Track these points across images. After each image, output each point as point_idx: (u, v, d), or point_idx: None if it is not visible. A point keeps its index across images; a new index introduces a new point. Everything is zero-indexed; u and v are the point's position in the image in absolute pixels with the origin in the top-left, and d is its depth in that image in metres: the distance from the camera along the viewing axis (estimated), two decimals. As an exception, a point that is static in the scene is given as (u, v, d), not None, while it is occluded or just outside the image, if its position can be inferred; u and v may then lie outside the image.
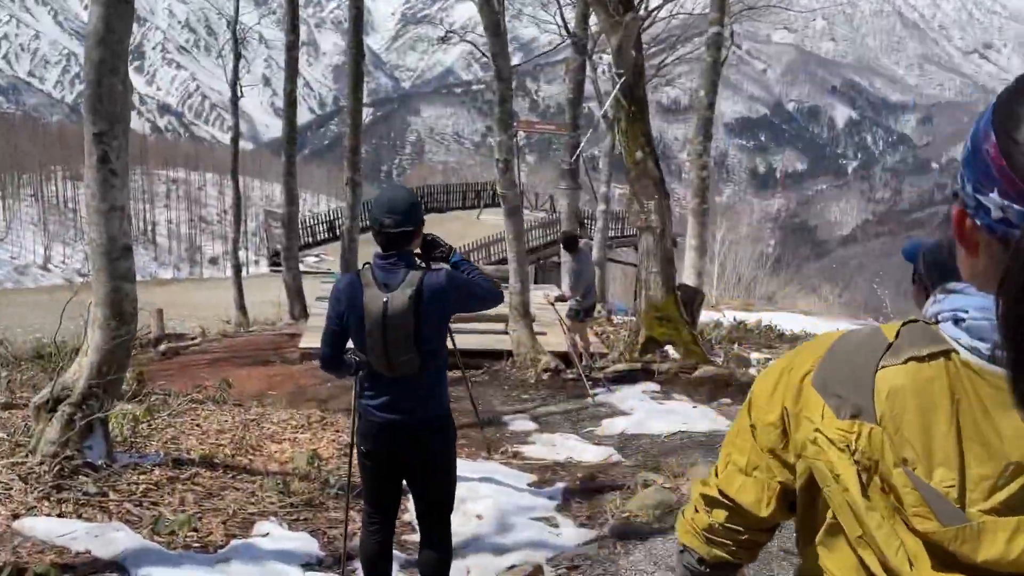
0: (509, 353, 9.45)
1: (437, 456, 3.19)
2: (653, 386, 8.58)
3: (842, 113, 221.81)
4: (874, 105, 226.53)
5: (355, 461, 3.40)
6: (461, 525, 4.56)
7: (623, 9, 9.28)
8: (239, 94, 15.24)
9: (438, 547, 3.27)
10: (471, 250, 24.11)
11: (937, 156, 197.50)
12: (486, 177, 62.97)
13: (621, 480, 5.65)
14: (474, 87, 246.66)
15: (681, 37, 17.74)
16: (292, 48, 13.90)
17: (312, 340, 10.59)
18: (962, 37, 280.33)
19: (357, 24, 15.74)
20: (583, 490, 5.46)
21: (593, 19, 12.63)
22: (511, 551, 4.46)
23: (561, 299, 9.16)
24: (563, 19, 12.27)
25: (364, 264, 3.11)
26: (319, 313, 11.88)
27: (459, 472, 5.12)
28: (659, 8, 10.10)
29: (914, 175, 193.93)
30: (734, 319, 15.98)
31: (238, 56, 15.34)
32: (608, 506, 5.10)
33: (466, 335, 10.83)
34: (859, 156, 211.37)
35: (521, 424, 7.39)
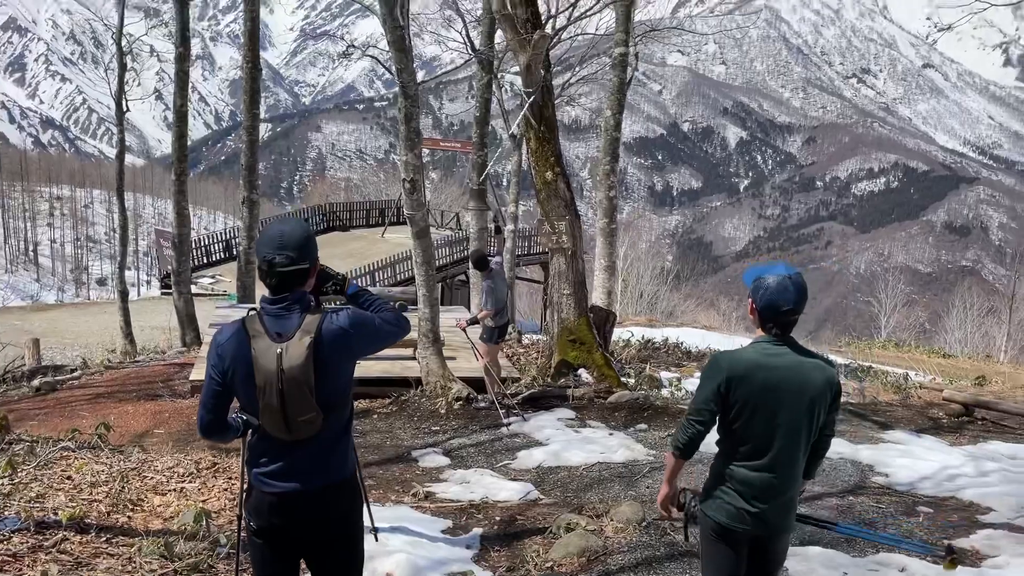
0: (418, 381, 9.01)
1: (341, 527, 2.77)
2: (568, 413, 8.31)
3: (734, 133, 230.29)
4: (763, 126, 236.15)
5: (244, 532, 2.93)
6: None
7: (531, 28, 9.08)
8: (125, 107, 14.29)
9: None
10: (376, 269, 23.51)
11: (821, 175, 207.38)
12: (390, 194, 62.32)
13: (542, 522, 5.33)
14: (376, 103, 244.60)
15: (583, 57, 17.78)
16: (182, 60, 13.14)
17: (203, 371, 9.87)
18: (842, 63, 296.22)
19: (253, 38, 15.11)
20: (502, 536, 5.11)
21: (499, 37, 12.43)
22: (427, 613, 4.06)
23: (474, 322, 8.80)
24: (468, 37, 11.98)
25: (249, 311, 2.68)
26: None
27: (366, 520, 4.67)
28: (565, 27, 9.93)
29: (801, 192, 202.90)
30: (642, 337, 15.99)
31: (123, 67, 14.40)
32: (530, 554, 4.76)
33: (370, 362, 10.35)
34: (750, 174, 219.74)
35: (433, 459, 6.98)
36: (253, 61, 15.14)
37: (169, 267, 26.17)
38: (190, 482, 5.53)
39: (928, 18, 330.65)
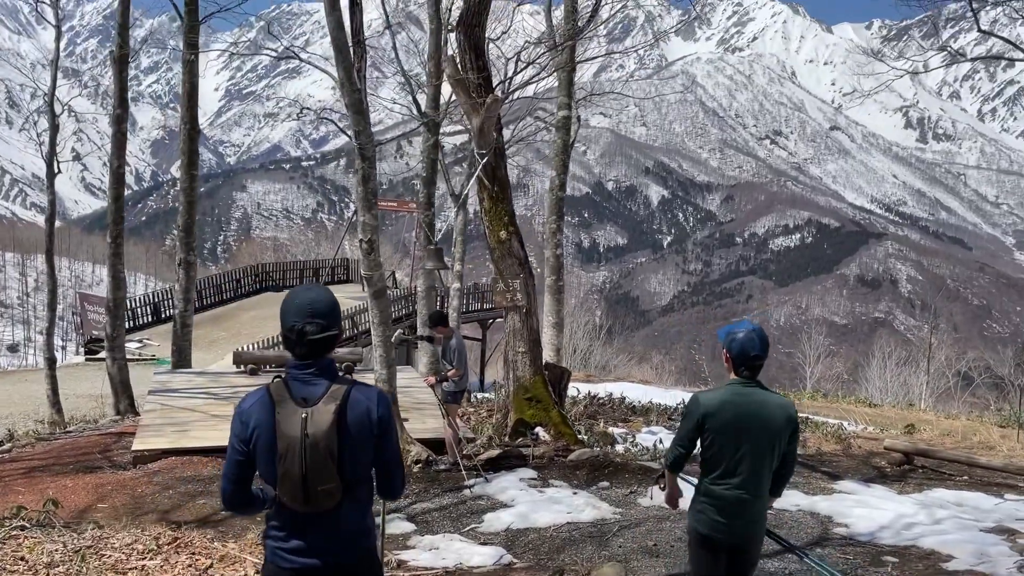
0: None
1: None
2: (530, 472, 8.25)
3: (656, 192, 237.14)
4: (683, 184, 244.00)
5: None
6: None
7: (483, 91, 9.26)
8: (57, 169, 13.87)
9: None
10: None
11: (740, 231, 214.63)
12: (320, 253, 61.64)
13: (522, 586, 5.25)
14: (304, 163, 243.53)
15: (515, 119, 18.13)
16: (120, 121, 12.89)
17: (148, 441, 9.49)
18: (755, 125, 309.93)
19: (192, 99, 14.94)
20: (484, 602, 5.00)
21: (445, 98, 12.63)
22: None
23: (443, 380, 8.72)
24: (416, 101, 12.13)
25: (274, 378, 2.63)
26: (154, 408, 10.73)
27: None
28: (515, 91, 10.17)
29: (721, 248, 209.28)
30: (588, 393, 16.06)
31: (55, 129, 14.02)
32: (516, 619, 4.67)
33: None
34: (673, 231, 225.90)
35: (397, 525, 6.81)
36: (191, 122, 14.94)
37: (94, 332, 25.26)
38: (151, 559, 5.26)
39: (833, 83, 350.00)
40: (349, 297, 29.90)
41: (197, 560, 5.30)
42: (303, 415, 2.48)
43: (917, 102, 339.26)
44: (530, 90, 17.11)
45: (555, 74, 12.17)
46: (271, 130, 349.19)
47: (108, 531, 5.70)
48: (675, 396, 20.26)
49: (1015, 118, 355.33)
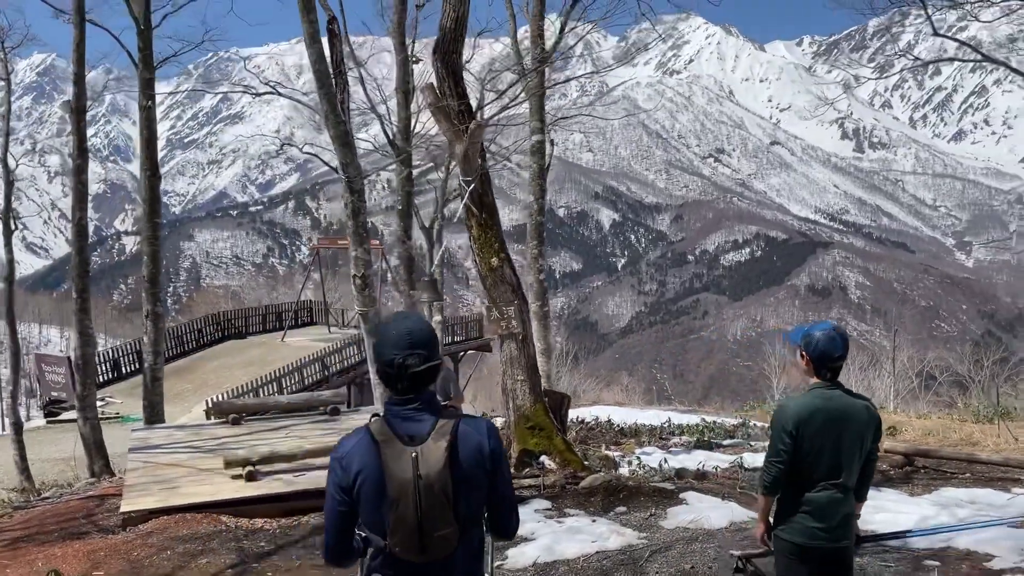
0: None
1: None
2: (544, 503, 8.01)
3: (607, 215, 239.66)
4: (633, 207, 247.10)
5: None
6: None
7: (464, 118, 9.13)
8: (14, 226, 13.35)
9: None
10: (282, 376, 22.53)
11: (691, 249, 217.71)
12: (275, 298, 60.66)
13: (571, 622, 5.01)
14: (252, 208, 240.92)
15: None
16: (80, 172, 12.47)
17: (136, 501, 9.02)
18: (698, 144, 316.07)
19: (151, 146, 14.61)
20: (536, 642, 4.74)
21: (422, 129, 12.48)
22: None
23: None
24: (387, 134, 11.96)
25: (372, 416, 2.40)
26: (137, 466, 10.23)
27: None
28: (495, 115, 10.07)
29: (674, 267, 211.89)
30: (576, 418, 15.88)
31: (10, 185, 13.53)
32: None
33: (318, 472, 9.76)
34: (626, 253, 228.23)
35: (419, 569, 6.51)
36: (152, 169, 14.57)
37: (53, 393, 24.34)
38: (173, 627, 4.90)
39: (770, 99, 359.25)
40: (314, 340, 29.40)
41: (222, 624, 4.96)
42: (412, 454, 2.27)
43: (851, 113, 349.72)
44: (502, 116, 17.13)
45: (527, 97, 12.12)
46: (216, 177, 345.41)
47: (120, 600, 5.31)
48: (656, 416, 20.20)
49: (945, 123, 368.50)
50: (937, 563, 5.93)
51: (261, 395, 20.47)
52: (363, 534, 2.40)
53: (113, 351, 25.52)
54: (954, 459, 10.53)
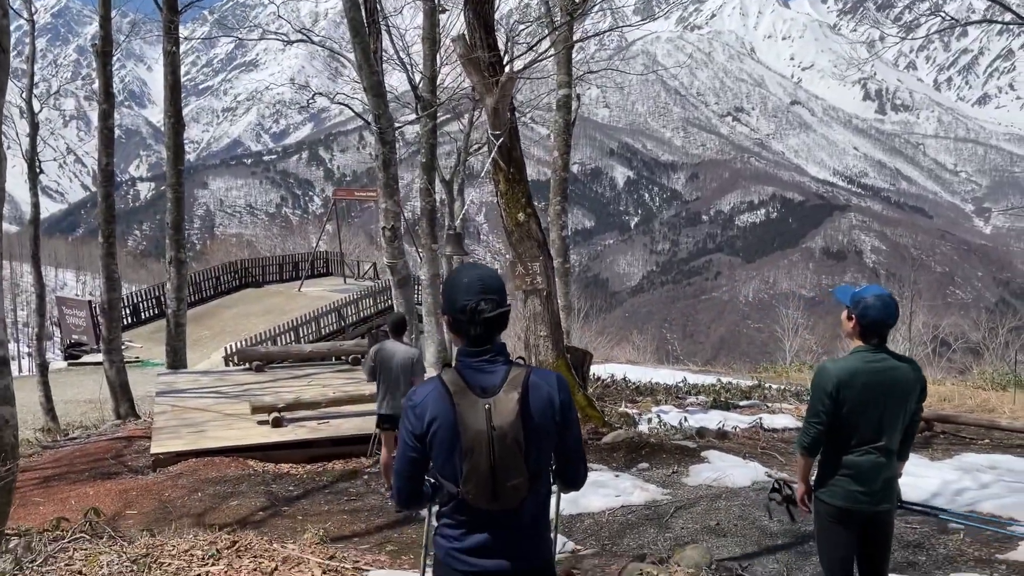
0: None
1: None
2: (567, 457, 8.11)
3: (621, 173, 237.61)
4: (648, 165, 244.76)
5: None
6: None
7: (495, 71, 9.03)
8: (38, 169, 13.38)
9: None
10: (299, 325, 22.69)
11: (706, 209, 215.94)
12: (285, 248, 60.73)
13: (601, 574, 5.10)
14: (265, 157, 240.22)
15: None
16: (106, 116, 12.45)
17: (165, 443, 9.19)
18: (717, 102, 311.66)
19: (175, 91, 14.56)
20: (570, 591, 4.84)
21: (444, 81, 12.36)
22: None
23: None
24: (413, 85, 11.84)
25: (445, 367, 2.43)
26: (165, 410, 10.41)
27: None
28: (527, 67, 9.95)
29: (688, 227, 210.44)
30: (594, 375, 15.96)
31: (35, 127, 13.51)
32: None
33: (339, 419, 9.90)
34: (639, 212, 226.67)
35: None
36: (176, 115, 14.55)
37: (74, 336, 24.64)
38: (213, 565, 5.03)
39: (792, 58, 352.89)
40: (330, 290, 29.54)
41: (261, 563, 5.08)
42: (486, 406, 2.30)
43: (875, 74, 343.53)
44: (533, 70, 16.92)
45: (554, 49, 11.96)
46: (230, 125, 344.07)
47: (161, 538, 5.45)
48: (670, 375, 20.29)
49: (970, 86, 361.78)
50: (961, 526, 5.98)
51: (279, 343, 20.65)
52: (432, 480, 2.45)
53: (133, 296, 25.72)
54: (975, 425, 10.56)
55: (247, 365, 13.19)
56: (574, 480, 2.59)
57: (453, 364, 2.42)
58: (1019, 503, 6.42)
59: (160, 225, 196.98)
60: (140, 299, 25.74)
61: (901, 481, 7.73)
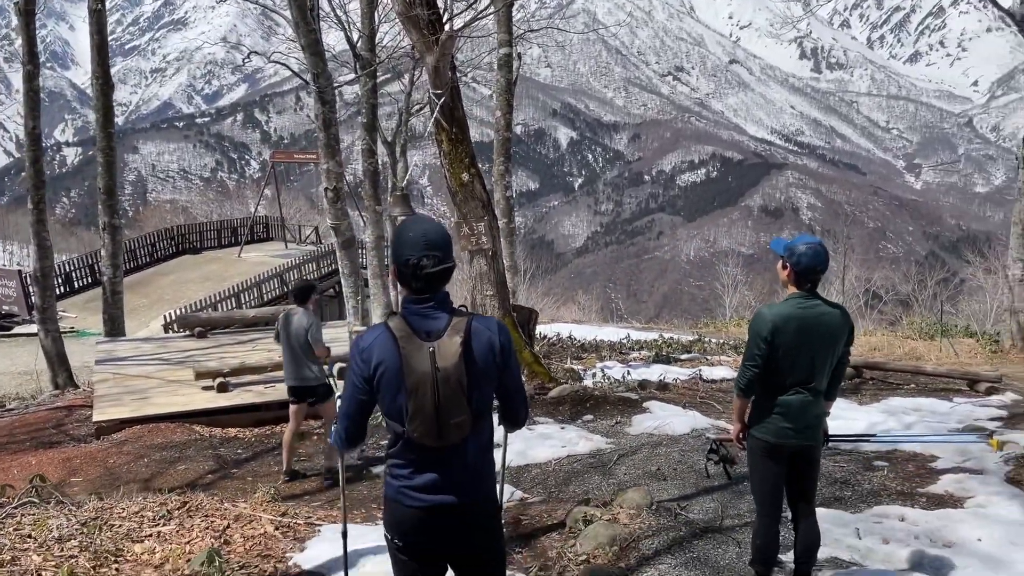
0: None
1: (493, 540, 2.65)
2: (513, 412, 8.28)
3: (564, 134, 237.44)
4: (591, 125, 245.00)
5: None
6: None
7: (434, 29, 8.97)
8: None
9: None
10: (241, 291, 22.41)
11: (648, 169, 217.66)
12: (221, 214, 59.40)
13: (547, 519, 5.29)
14: (198, 120, 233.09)
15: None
16: (31, 78, 11.98)
17: (108, 411, 9.08)
18: (658, 62, 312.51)
19: (102, 52, 14.06)
20: (516, 537, 5.01)
21: (384, 39, 12.21)
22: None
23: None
24: (352, 45, 11.66)
25: (389, 314, 2.52)
26: (106, 378, 10.24)
27: (360, 544, 4.50)
28: (466, 26, 9.89)
29: (631, 187, 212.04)
30: (540, 334, 16.17)
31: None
32: (555, 552, 4.72)
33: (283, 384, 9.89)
34: (583, 173, 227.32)
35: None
36: (104, 76, 14.07)
37: (4, 307, 23.87)
38: (164, 525, 5.06)
39: (731, 16, 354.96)
40: (271, 255, 29.14)
41: (213, 522, 5.13)
42: (430, 349, 2.40)
43: (810, 32, 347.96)
44: (474, 28, 16.75)
45: (495, 7, 11.89)
46: (160, 86, 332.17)
47: (110, 502, 5.45)
48: (614, 333, 20.66)
49: (902, 44, 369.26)
50: (886, 464, 6.33)
51: (220, 310, 20.36)
52: (386, 422, 2.55)
53: (65, 265, 25.00)
54: (901, 371, 11.06)
55: (188, 332, 13.01)
56: (516, 417, 2.71)
57: (399, 311, 2.51)
58: (938, 441, 6.81)
59: (90, 191, 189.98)
60: (73, 268, 25.05)
61: (832, 423, 8.13)
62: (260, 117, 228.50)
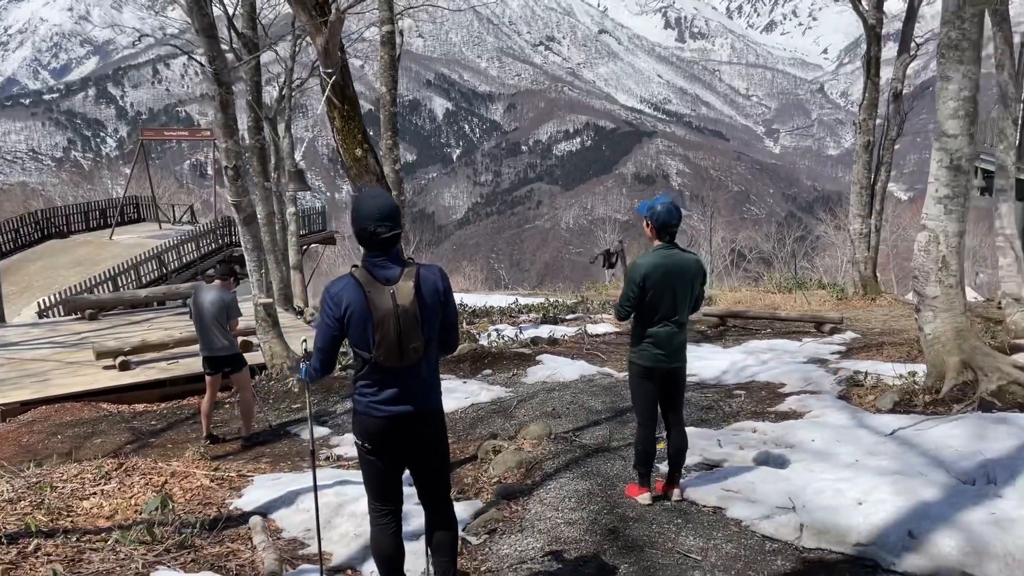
0: (262, 367, 9.09)
1: (440, 440, 3.34)
2: (417, 371, 8.91)
3: (440, 105, 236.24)
4: (466, 96, 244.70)
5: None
6: (341, 545, 4.49)
7: (324, 9, 9.33)
8: None
9: (449, 524, 3.43)
10: (118, 274, 21.80)
11: (525, 139, 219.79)
12: (78, 197, 56.45)
13: (460, 455, 5.99)
14: (46, 96, 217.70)
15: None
16: None
17: (9, 394, 9.12)
18: (529, 32, 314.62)
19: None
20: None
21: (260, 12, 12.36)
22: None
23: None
24: (232, 24, 11.79)
25: (352, 267, 3.15)
26: (0, 364, 10.17)
27: (293, 487, 5.17)
28: (350, 7, 10.25)
29: (509, 158, 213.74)
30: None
31: None
32: (470, 478, 5.43)
33: (195, 357, 10.14)
34: (461, 144, 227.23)
35: (315, 431, 7.27)
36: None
37: None
38: (106, 484, 5.44)
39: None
40: (147, 237, 28.26)
41: (151, 479, 5.55)
42: (391, 291, 3.05)
43: (674, 2, 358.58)
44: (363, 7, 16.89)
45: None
46: (1, 62, 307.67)
47: (47, 469, 5.76)
48: (503, 300, 21.53)
49: (758, 14, 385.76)
50: (743, 392, 7.39)
51: (95, 294, 19.88)
52: (355, 351, 3.19)
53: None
54: (759, 318, 12.37)
55: (78, 315, 12.90)
56: (454, 344, 3.41)
57: (361, 264, 3.14)
58: (787, 372, 7.95)
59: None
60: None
61: (699, 364, 9.14)
62: (115, 92, 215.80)
